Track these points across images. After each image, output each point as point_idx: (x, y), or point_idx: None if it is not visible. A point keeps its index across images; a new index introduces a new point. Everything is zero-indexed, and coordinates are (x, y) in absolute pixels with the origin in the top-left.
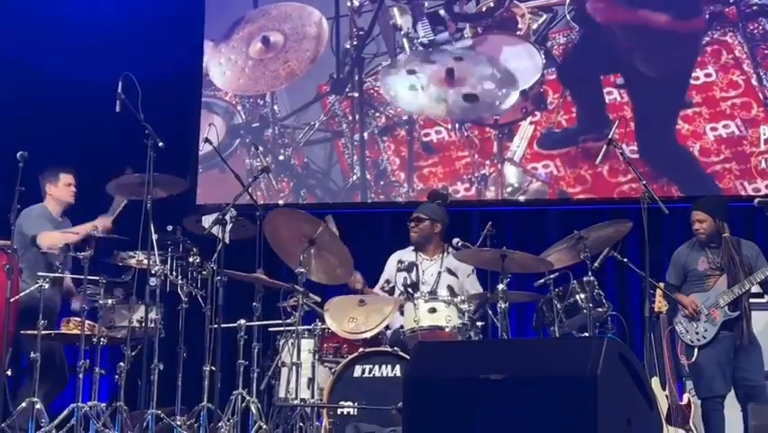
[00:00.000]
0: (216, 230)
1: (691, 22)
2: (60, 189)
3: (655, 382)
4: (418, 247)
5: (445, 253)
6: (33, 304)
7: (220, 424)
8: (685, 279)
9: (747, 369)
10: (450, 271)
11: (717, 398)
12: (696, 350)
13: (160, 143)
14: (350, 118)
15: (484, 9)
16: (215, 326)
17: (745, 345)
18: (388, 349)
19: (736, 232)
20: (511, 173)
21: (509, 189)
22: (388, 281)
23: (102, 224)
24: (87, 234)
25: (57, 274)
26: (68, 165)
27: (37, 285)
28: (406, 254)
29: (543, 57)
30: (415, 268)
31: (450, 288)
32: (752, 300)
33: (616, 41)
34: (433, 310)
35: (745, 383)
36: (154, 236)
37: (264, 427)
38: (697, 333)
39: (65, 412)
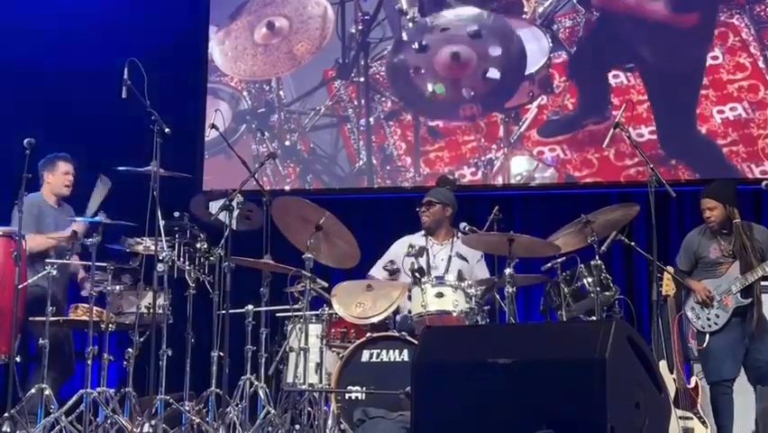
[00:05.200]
0: (223, 216)
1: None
2: (58, 178)
3: (663, 366)
4: (429, 232)
5: (455, 238)
6: (39, 293)
7: (228, 409)
8: (696, 265)
9: (762, 350)
10: (460, 256)
11: (726, 382)
12: (707, 336)
13: (167, 129)
14: (356, 103)
15: None
16: (223, 311)
17: (758, 331)
18: (396, 334)
19: (743, 215)
20: (518, 157)
21: (516, 174)
22: (392, 262)
23: (79, 228)
24: (70, 237)
25: (64, 261)
26: (68, 154)
27: (45, 272)
28: (416, 239)
29: (549, 40)
30: (425, 253)
31: (460, 272)
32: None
33: (624, 28)
34: (440, 295)
35: (758, 365)
36: (161, 222)
37: (272, 411)
38: (708, 319)
39: (74, 398)
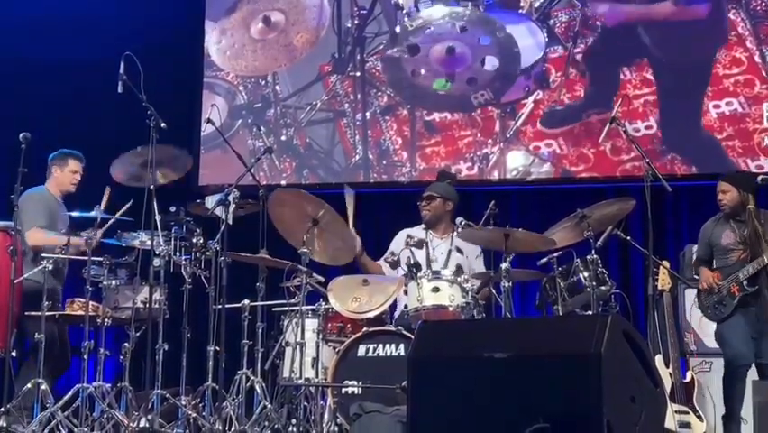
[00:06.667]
0: (220, 211)
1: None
2: (65, 175)
3: (659, 360)
4: (429, 226)
5: (454, 233)
6: (36, 288)
7: (225, 404)
8: (712, 252)
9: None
10: (459, 251)
11: (740, 367)
12: (716, 325)
13: (162, 124)
14: (352, 98)
15: None
16: (219, 306)
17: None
18: (392, 328)
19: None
20: (514, 152)
21: (512, 168)
22: (393, 253)
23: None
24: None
25: (61, 256)
26: (80, 153)
27: (40, 267)
28: (416, 232)
29: (545, 35)
30: (425, 245)
31: (459, 267)
32: None
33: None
34: (436, 289)
35: (762, 361)
36: (157, 217)
37: (269, 406)
38: (716, 307)
39: (70, 393)
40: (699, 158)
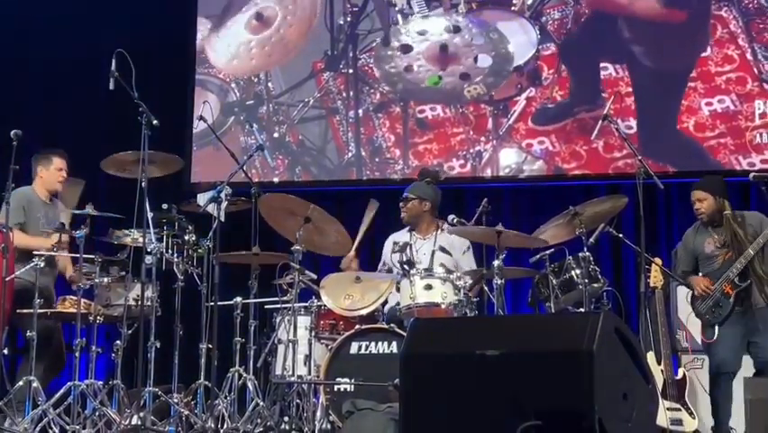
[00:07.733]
0: (212, 208)
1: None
2: (51, 173)
3: (651, 357)
4: (411, 227)
5: (439, 231)
6: (28, 286)
7: (217, 401)
8: (697, 262)
9: (764, 346)
10: (443, 250)
11: (725, 374)
12: (716, 328)
13: (155, 121)
14: (344, 95)
15: None
16: (212, 303)
17: (761, 320)
18: (385, 326)
19: (733, 207)
20: (506, 150)
21: (504, 166)
22: (384, 263)
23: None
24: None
25: (52, 253)
26: (62, 150)
27: (32, 264)
28: (401, 235)
29: (537, 32)
30: (409, 247)
31: (443, 266)
32: None
33: (615, 23)
34: (429, 287)
35: (759, 359)
36: (149, 214)
37: (261, 403)
38: (713, 310)
39: (62, 390)
40: (674, 158)
